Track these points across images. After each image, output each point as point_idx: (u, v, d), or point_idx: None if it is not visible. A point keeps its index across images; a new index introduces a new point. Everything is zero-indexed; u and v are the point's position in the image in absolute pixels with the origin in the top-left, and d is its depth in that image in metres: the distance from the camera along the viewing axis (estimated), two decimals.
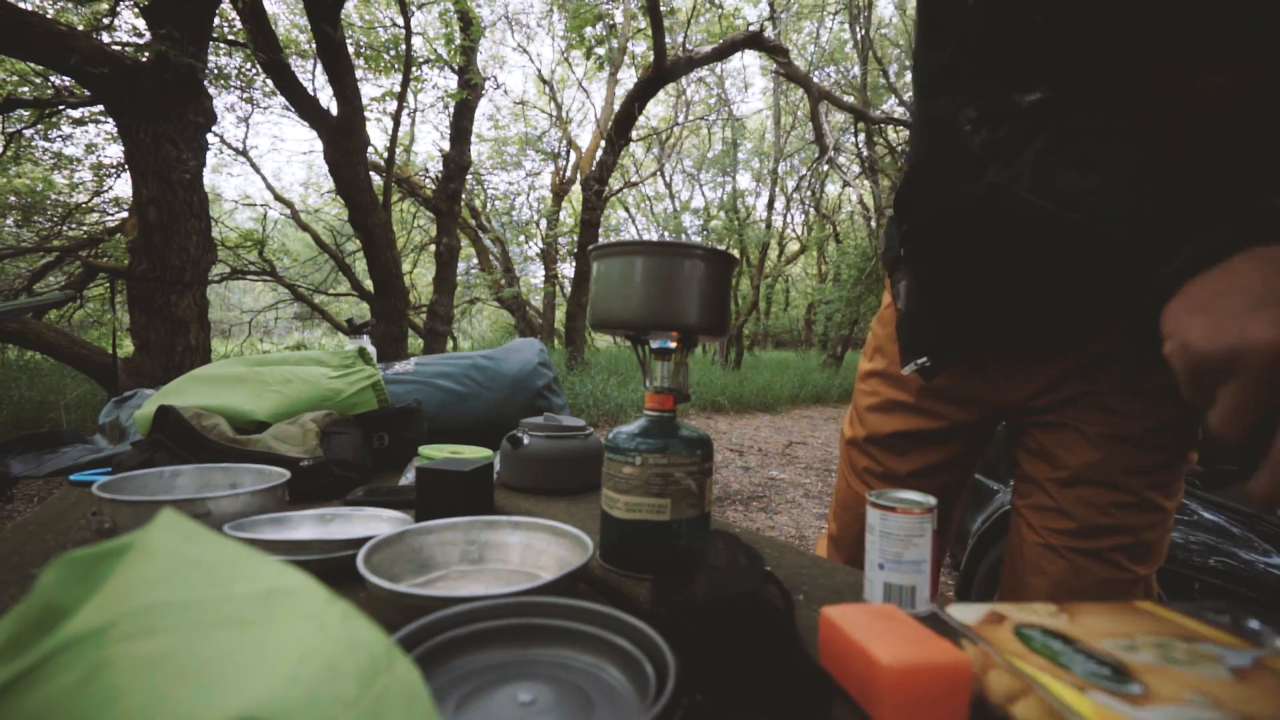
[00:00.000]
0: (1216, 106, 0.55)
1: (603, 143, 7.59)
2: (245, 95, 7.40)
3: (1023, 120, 0.51)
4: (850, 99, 9.55)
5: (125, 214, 6.63)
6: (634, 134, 8.17)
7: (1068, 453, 0.74)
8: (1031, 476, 0.79)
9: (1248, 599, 1.23)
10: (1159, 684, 0.38)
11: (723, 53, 6.60)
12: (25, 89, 5.40)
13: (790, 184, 14.21)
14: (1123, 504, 0.72)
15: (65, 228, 7.04)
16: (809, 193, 13.86)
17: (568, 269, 11.59)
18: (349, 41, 5.20)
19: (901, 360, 0.81)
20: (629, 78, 9.51)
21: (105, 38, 4.97)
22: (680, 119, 12.27)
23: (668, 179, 14.14)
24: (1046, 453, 0.77)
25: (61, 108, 5.62)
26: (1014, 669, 0.40)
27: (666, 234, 13.05)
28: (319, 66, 6.16)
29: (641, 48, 8.23)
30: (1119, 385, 0.72)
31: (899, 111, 9.49)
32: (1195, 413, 0.72)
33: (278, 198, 9.89)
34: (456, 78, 6.61)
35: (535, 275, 13.10)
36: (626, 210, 14.39)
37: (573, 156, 11.71)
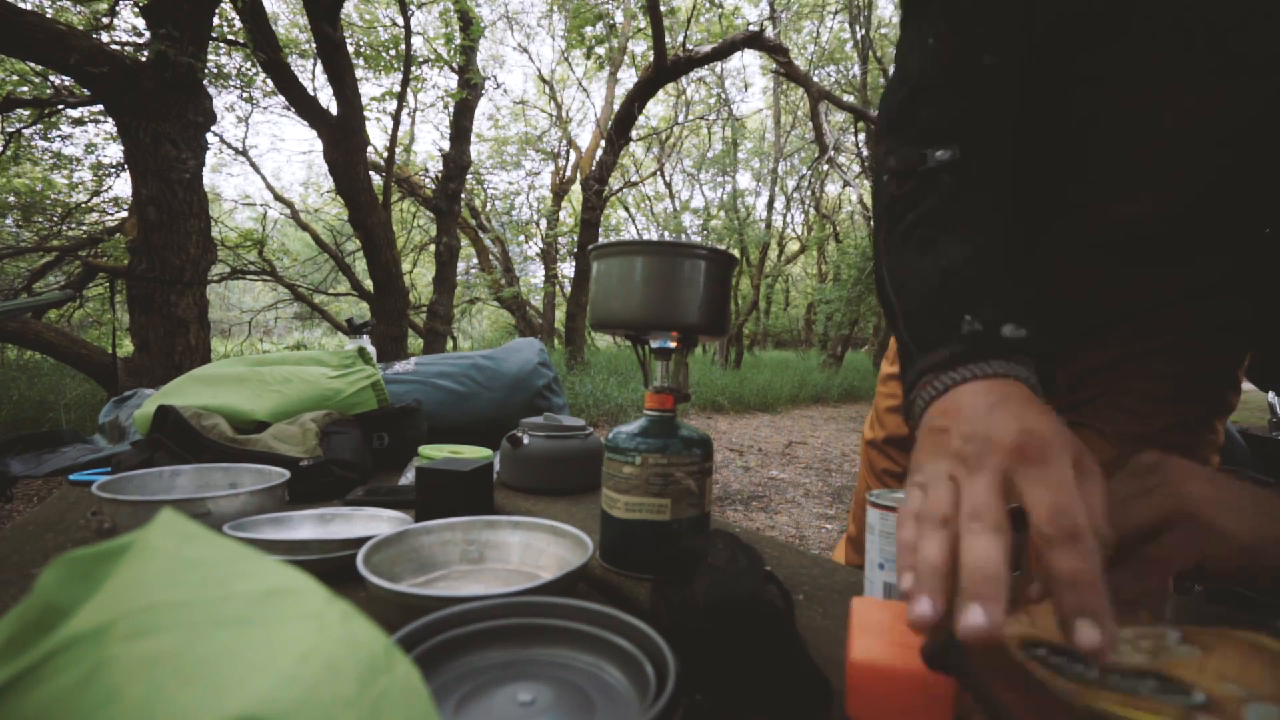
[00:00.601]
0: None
1: (603, 142, 7.59)
2: (245, 95, 7.40)
3: (923, 180, 0.53)
4: (850, 99, 9.55)
5: (125, 214, 6.63)
6: (634, 134, 8.17)
7: None
8: None
9: (1247, 599, 1.23)
10: (1199, 680, 0.35)
11: (723, 52, 6.60)
12: (25, 88, 5.40)
13: (790, 184, 14.20)
14: None
15: (65, 227, 7.03)
16: (809, 192, 13.87)
17: (568, 269, 11.60)
18: (349, 41, 5.20)
19: None
20: (629, 77, 9.51)
21: (105, 37, 4.97)
22: (680, 119, 12.27)
23: (668, 179, 14.14)
24: None
25: (61, 107, 5.62)
26: (1109, 715, 0.32)
27: (666, 234, 13.05)
28: (319, 66, 6.16)
29: (641, 47, 8.23)
30: (1136, 386, 0.72)
31: None
32: (1214, 414, 0.73)
33: (277, 197, 9.88)
34: (456, 77, 6.61)
35: (535, 275, 13.10)
36: (626, 210, 14.38)
37: (573, 156, 11.72)
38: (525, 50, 11.70)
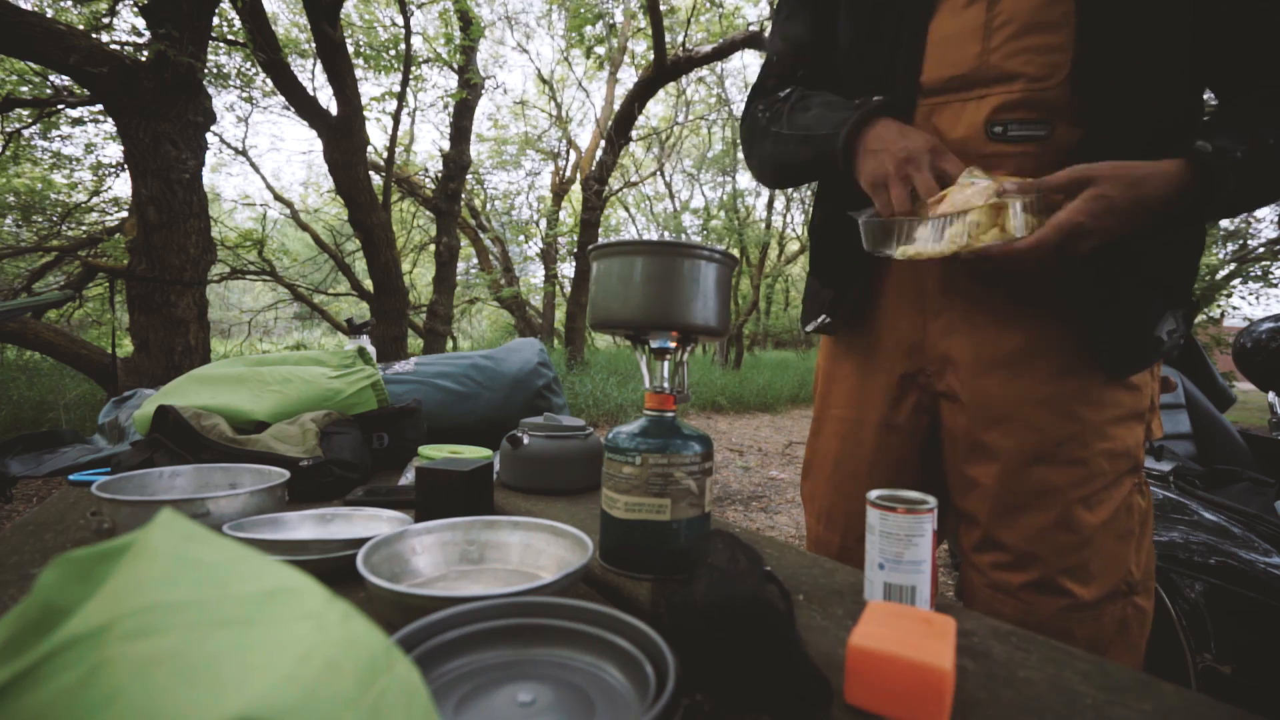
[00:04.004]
0: None
1: (603, 142, 7.59)
2: (245, 95, 7.40)
3: (780, 102, 0.88)
4: None
5: (125, 214, 6.62)
6: (634, 134, 8.16)
7: (986, 478, 0.76)
8: (964, 511, 0.80)
9: (1249, 600, 1.23)
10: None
11: (723, 52, 6.60)
12: (24, 88, 5.39)
13: None
14: (1050, 525, 0.72)
15: (64, 227, 7.03)
16: (809, 192, 13.86)
17: (568, 269, 11.59)
18: (349, 41, 5.20)
19: None
20: (629, 77, 9.52)
21: (104, 37, 4.97)
22: (680, 119, 12.26)
23: (668, 179, 14.12)
24: (969, 480, 0.78)
25: (60, 107, 5.62)
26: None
27: (666, 234, 13.05)
28: (319, 66, 6.15)
29: (641, 47, 8.23)
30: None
31: None
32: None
33: (277, 197, 9.87)
34: (456, 77, 6.61)
35: (535, 275, 13.09)
36: (626, 210, 14.38)
37: (573, 156, 11.71)
38: (525, 50, 11.68)
